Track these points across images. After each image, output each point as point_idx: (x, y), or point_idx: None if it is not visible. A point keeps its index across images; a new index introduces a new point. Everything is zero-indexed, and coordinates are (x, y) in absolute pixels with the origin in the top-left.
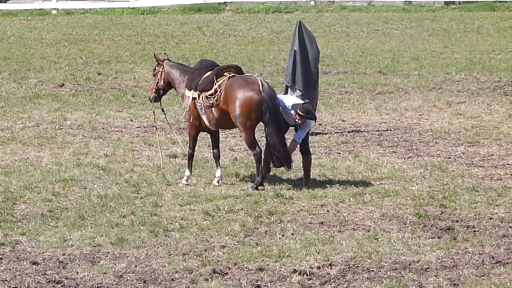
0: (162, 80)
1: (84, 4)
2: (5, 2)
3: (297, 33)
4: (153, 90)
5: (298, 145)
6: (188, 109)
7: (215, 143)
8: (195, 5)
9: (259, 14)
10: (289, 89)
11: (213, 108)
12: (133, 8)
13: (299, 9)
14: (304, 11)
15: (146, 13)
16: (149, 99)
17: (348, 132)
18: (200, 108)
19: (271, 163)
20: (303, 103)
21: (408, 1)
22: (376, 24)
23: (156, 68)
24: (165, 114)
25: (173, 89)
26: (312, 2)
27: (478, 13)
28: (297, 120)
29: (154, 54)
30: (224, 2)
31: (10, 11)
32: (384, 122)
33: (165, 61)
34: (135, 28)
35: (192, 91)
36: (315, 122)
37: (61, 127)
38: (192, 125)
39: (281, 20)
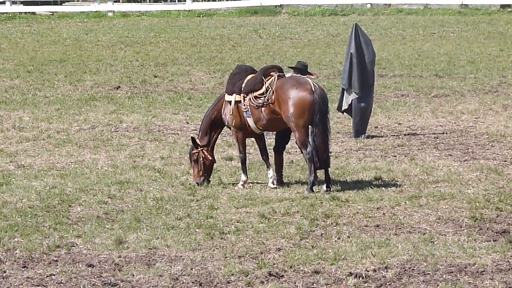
0: (208, 156)
1: (140, 7)
2: (61, 4)
3: (354, 36)
4: (200, 174)
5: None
6: (231, 113)
7: (263, 148)
8: (252, 7)
9: (315, 16)
10: (345, 91)
11: (262, 109)
12: (189, 10)
13: (355, 12)
14: (360, 14)
15: (202, 16)
16: (199, 184)
17: (404, 135)
18: (246, 111)
19: (312, 165)
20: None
21: (464, 4)
22: (432, 27)
23: (193, 152)
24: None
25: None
26: (369, 5)
27: None
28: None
29: (192, 138)
30: (281, 4)
31: (66, 13)
32: (440, 125)
33: (197, 142)
34: (191, 31)
35: (235, 94)
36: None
37: (117, 130)
38: (237, 129)
39: (337, 23)
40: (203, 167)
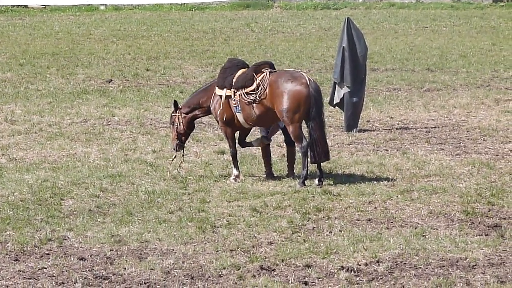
0: (181, 124)
1: (132, 0)
2: None
3: (346, 30)
4: (175, 138)
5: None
6: (221, 108)
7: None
8: (244, 1)
9: (307, 10)
10: (337, 85)
11: (254, 105)
12: (181, 4)
13: (348, 6)
14: (352, 8)
15: (195, 9)
16: (174, 149)
17: (396, 129)
18: (236, 106)
19: (310, 158)
20: None
21: None
22: (424, 21)
23: (172, 115)
24: (183, 160)
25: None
26: None
27: None
28: None
29: (175, 101)
30: None
31: (58, 6)
32: (432, 119)
33: (179, 106)
34: (183, 24)
35: (225, 89)
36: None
37: (109, 123)
38: (226, 124)
39: (329, 17)
40: (177, 132)
